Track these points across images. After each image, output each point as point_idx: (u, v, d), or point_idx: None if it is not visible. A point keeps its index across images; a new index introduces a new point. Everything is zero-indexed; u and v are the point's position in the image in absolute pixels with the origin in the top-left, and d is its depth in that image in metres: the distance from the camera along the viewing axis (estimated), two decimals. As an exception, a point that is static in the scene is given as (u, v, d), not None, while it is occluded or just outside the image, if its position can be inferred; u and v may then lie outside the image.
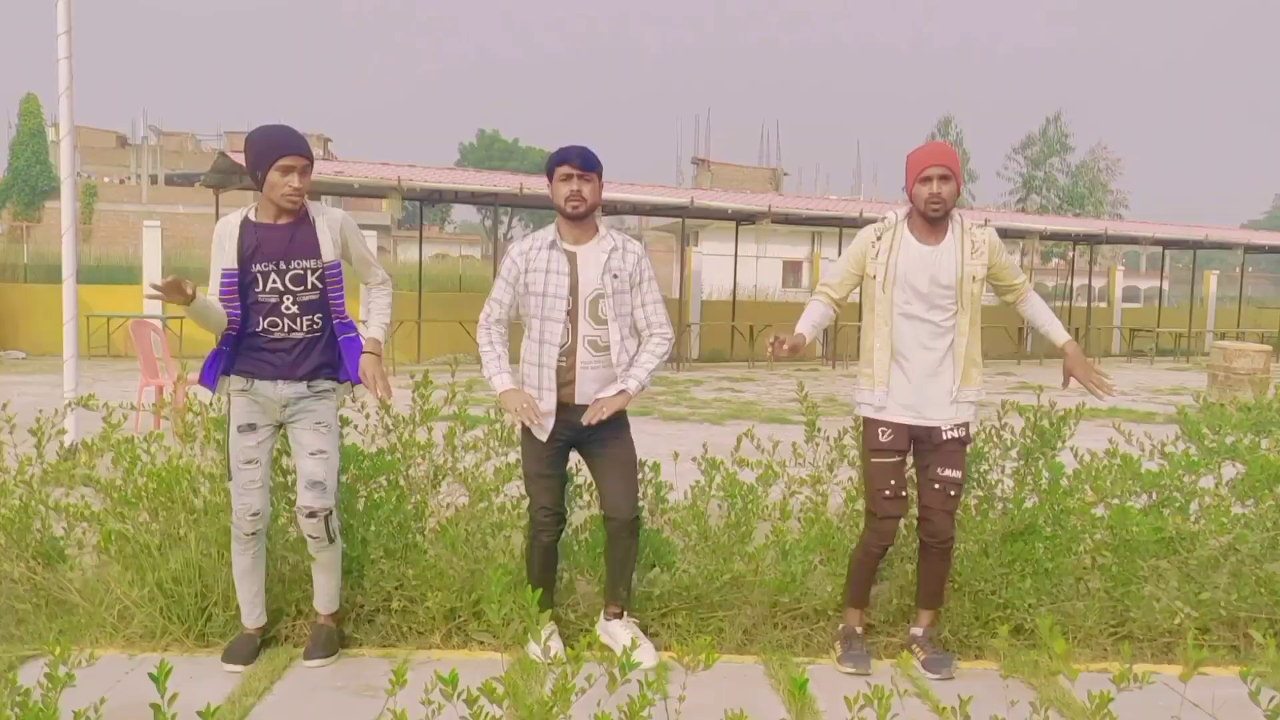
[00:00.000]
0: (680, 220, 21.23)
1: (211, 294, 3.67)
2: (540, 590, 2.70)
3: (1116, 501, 4.22)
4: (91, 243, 35.34)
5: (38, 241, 29.65)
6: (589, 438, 3.87)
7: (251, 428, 3.73)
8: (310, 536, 3.77)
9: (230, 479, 3.77)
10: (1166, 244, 26.66)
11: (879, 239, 3.84)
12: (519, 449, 4.43)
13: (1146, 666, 3.84)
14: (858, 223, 21.59)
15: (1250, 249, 28.01)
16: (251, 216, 3.71)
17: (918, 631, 3.99)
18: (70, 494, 4.29)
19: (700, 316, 22.14)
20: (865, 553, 3.95)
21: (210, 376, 3.78)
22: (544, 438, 3.81)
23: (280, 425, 3.82)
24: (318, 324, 3.74)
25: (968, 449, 3.96)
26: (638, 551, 4.03)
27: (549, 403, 3.79)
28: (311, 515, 3.73)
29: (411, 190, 17.65)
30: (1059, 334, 3.97)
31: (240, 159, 16.76)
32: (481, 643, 4.01)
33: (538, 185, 19.18)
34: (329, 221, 3.74)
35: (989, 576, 4.16)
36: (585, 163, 3.79)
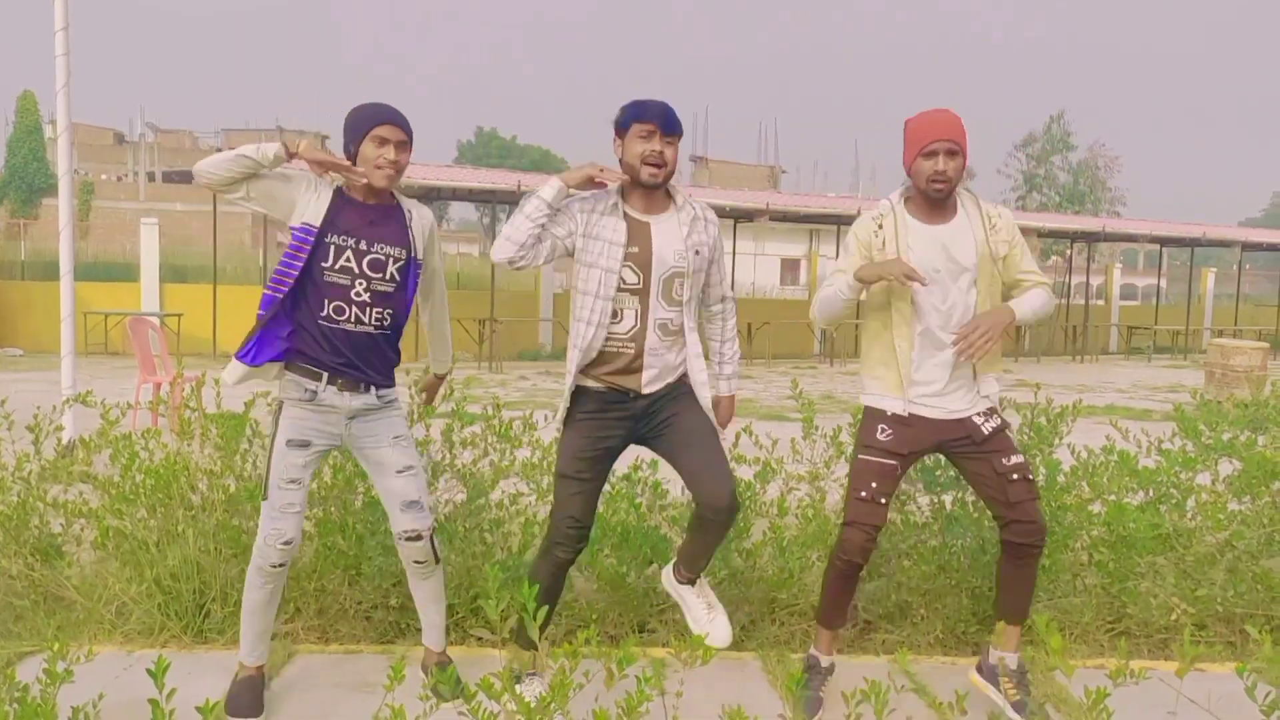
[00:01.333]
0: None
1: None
2: (542, 603, 2.40)
3: (1113, 498, 4.23)
4: (89, 240, 35.34)
5: (35, 239, 29.64)
6: (652, 423, 3.35)
7: (304, 444, 3.29)
8: (415, 563, 3.44)
9: (265, 498, 3.31)
10: (1164, 242, 26.70)
11: (880, 227, 3.39)
12: (515, 446, 4.45)
13: (1143, 663, 3.85)
14: (854, 220, 21.59)
15: (1248, 247, 28.06)
16: (345, 189, 3.34)
17: (1010, 659, 3.47)
18: (68, 491, 4.30)
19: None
20: (831, 567, 3.51)
21: (258, 354, 3.27)
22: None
23: (337, 445, 3.42)
24: (387, 320, 3.33)
25: (1011, 432, 3.54)
26: (726, 535, 3.51)
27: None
28: (417, 538, 3.38)
29: (409, 188, 17.64)
30: (1016, 303, 3.46)
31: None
32: (479, 639, 4.02)
33: (536, 183, 19.19)
34: (421, 217, 3.44)
35: (987, 573, 4.16)
36: (669, 123, 3.23)
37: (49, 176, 38.97)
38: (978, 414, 3.42)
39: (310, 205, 3.26)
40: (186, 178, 20.89)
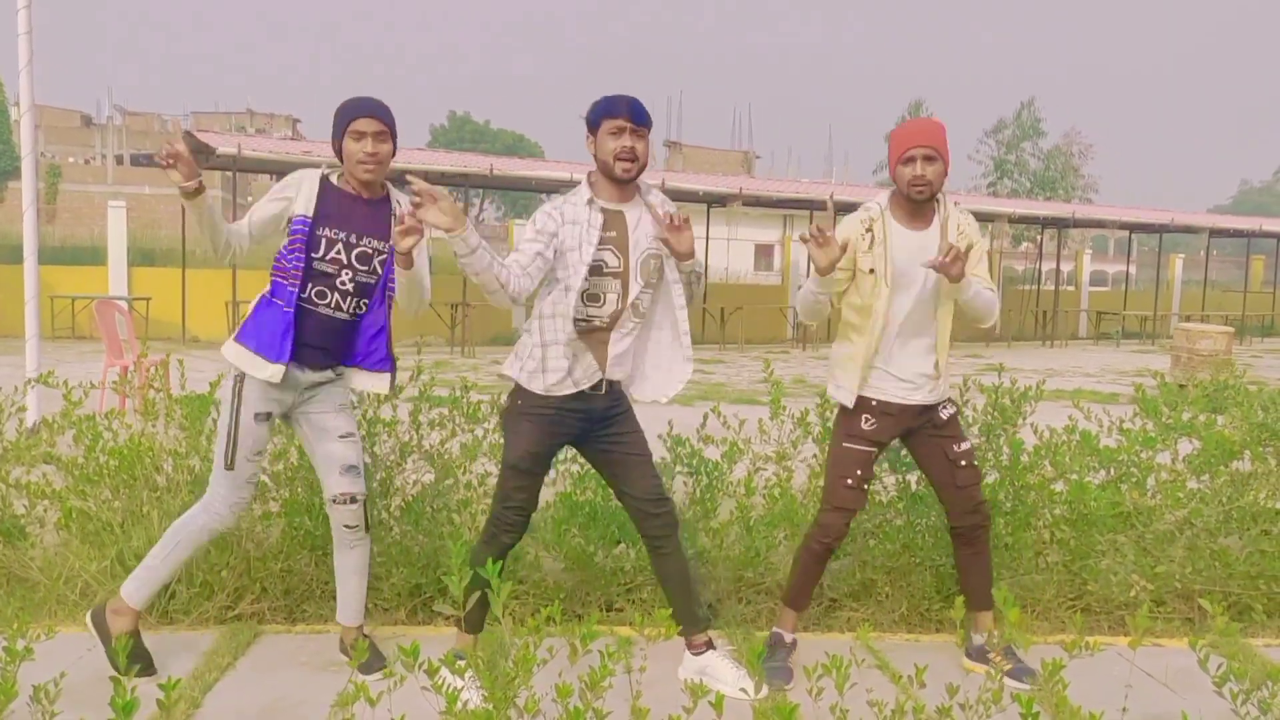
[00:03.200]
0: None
1: (241, 221, 3.37)
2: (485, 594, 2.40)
3: (1075, 477, 4.29)
4: (56, 223, 34.92)
5: (1, 222, 29.23)
6: (604, 431, 3.46)
7: (268, 416, 3.40)
8: (346, 527, 3.51)
9: (229, 467, 3.38)
10: (1133, 228, 26.96)
11: (868, 230, 3.50)
12: (486, 426, 4.45)
13: (1102, 638, 3.89)
14: (827, 205, 21.64)
15: (1215, 233, 28.38)
16: (332, 179, 3.42)
17: (986, 640, 3.63)
18: (30, 472, 4.26)
19: (671, 299, 22.12)
20: (808, 550, 3.64)
21: (276, 348, 3.31)
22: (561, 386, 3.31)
23: (284, 415, 3.51)
24: (363, 308, 3.45)
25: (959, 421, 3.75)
26: (685, 558, 3.57)
27: (558, 369, 3.32)
28: (352, 501, 3.47)
29: (381, 171, 17.53)
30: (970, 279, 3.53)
31: (207, 138, 16.64)
32: (446, 617, 4.02)
33: (508, 167, 19.11)
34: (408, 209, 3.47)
35: (950, 551, 4.20)
36: (638, 116, 3.28)
37: (15, 159, 38.34)
38: (942, 405, 3.65)
39: (299, 198, 3.34)
40: (155, 161, 20.59)
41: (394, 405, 4.35)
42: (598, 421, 3.44)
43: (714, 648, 3.55)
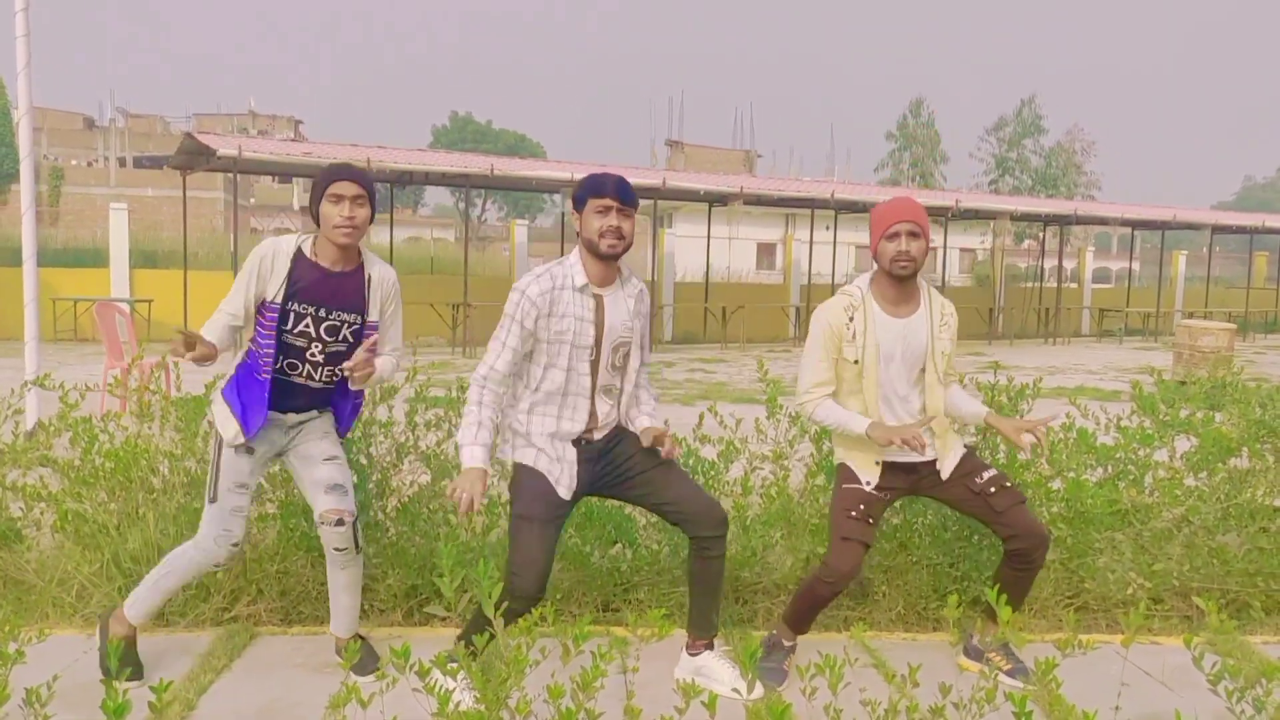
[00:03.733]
0: (653, 202, 21.22)
1: (220, 314, 3.39)
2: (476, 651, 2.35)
3: (1072, 475, 4.27)
4: (59, 226, 34.93)
5: (4, 224, 29.26)
6: (613, 465, 3.43)
7: (250, 450, 3.41)
8: (336, 550, 3.48)
9: (213, 500, 3.41)
10: (1135, 225, 26.89)
11: (851, 319, 3.50)
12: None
13: (1099, 636, 3.89)
14: (829, 204, 21.66)
15: (1218, 229, 28.30)
16: (306, 250, 3.41)
17: (982, 640, 3.70)
18: (26, 475, 4.26)
19: (673, 298, 22.15)
20: (814, 591, 3.55)
21: (249, 421, 3.38)
22: (566, 495, 3.31)
23: (279, 452, 3.55)
24: (337, 377, 3.49)
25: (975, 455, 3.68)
26: (724, 565, 3.54)
27: (567, 481, 3.31)
28: (339, 523, 3.43)
29: (381, 172, 17.55)
30: (977, 411, 3.66)
31: (207, 140, 16.64)
32: (443, 619, 4.02)
33: (509, 167, 19.11)
34: (381, 277, 3.51)
35: (947, 550, 4.21)
36: (625, 196, 3.29)
37: (17, 161, 38.46)
38: (950, 462, 3.57)
39: (270, 282, 3.35)
40: (157, 163, 20.65)
41: (390, 406, 4.36)
42: (599, 460, 3.41)
43: (711, 648, 3.55)
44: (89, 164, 44.45)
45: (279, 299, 3.33)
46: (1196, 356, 12.52)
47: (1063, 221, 26.29)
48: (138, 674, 3.41)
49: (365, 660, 3.51)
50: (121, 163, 43.60)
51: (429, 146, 49.43)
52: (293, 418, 3.50)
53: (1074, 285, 29.37)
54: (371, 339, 3.45)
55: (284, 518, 4.11)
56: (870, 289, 3.55)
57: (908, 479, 3.59)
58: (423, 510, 4.23)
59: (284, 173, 23.91)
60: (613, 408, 3.45)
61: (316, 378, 3.45)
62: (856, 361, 3.48)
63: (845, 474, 3.60)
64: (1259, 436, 4.44)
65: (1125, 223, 26.33)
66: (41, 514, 4.22)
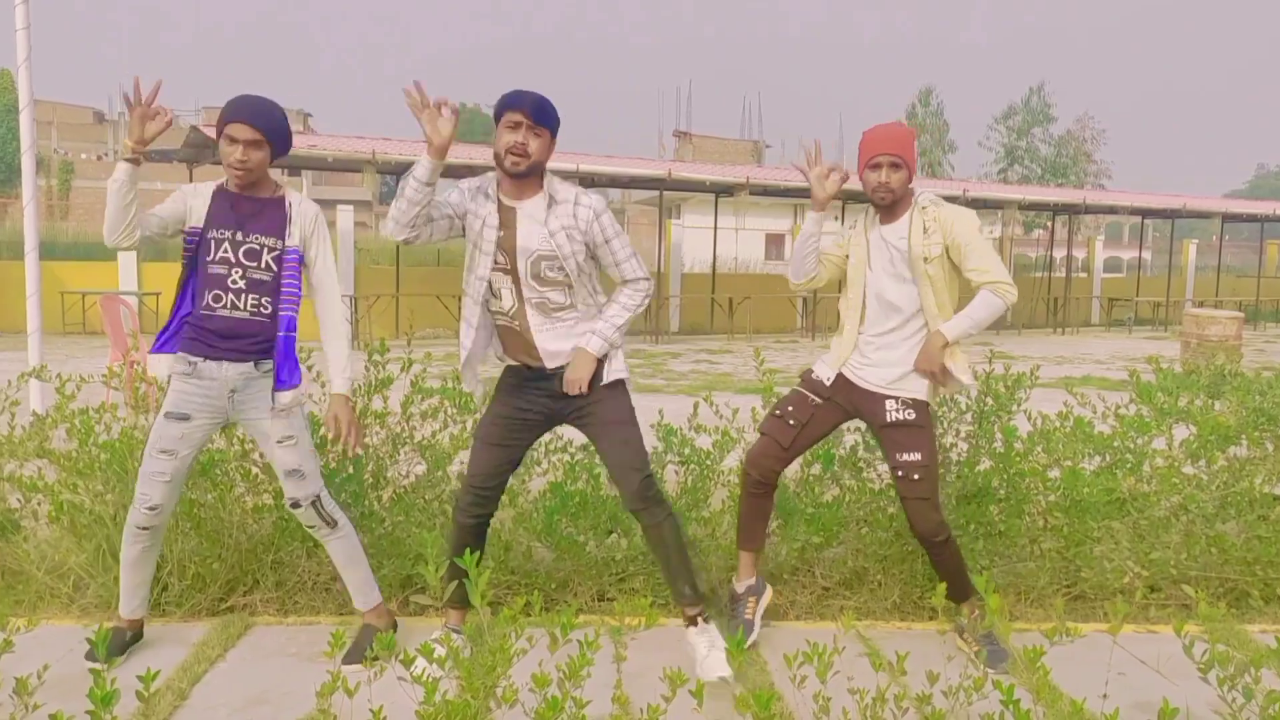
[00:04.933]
0: (659, 193, 21.17)
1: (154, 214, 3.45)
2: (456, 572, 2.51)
3: (1069, 464, 4.25)
4: (69, 219, 35.06)
5: (15, 218, 29.34)
6: (571, 407, 3.47)
7: (184, 418, 3.43)
8: (308, 527, 3.58)
9: (141, 463, 3.50)
10: (1145, 213, 26.75)
11: (854, 225, 3.84)
12: (477, 416, 4.44)
13: (1095, 625, 3.88)
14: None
15: (1228, 218, 28.13)
16: (225, 184, 3.50)
17: (962, 621, 3.77)
18: (24, 466, 4.28)
19: (680, 289, 22.12)
20: (742, 488, 3.85)
21: (166, 343, 3.49)
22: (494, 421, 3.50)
23: (224, 422, 3.55)
24: (265, 307, 3.44)
25: (924, 429, 3.63)
26: (680, 532, 3.57)
27: (467, 340, 3.47)
28: (296, 506, 3.51)
29: (386, 164, 17.55)
30: (952, 323, 3.64)
31: (213, 132, 16.64)
32: (437, 609, 4.02)
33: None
34: (302, 210, 3.51)
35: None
36: (538, 113, 3.27)
37: (26, 155, 38.61)
38: (892, 399, 3.62)
39: (194, 209, 3.45)
40: (165, 156, 20.67)
41: (385, 397, 4.36)
42: (560, 396, 3.46)
43: (696, 623, 3.57)
44: (98, 158, 44.58)
45: (199, 224, 3.41)
46: (1204, 345, 12.45)
47: (1073, 211, 26.16)
48: (113, 657, 3.40)
49: (353, 650, 3.51)
50: (131, 156, 43.65)
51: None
52: (228, 370, 3.42)
53: (1084, 275, 29.25)
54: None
55: (279, 507, 4.11)
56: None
57: (851, 396, 3.72)
58: (418, 501, 4.23)
59: (292, 165, 23.93)
60: (564, 324, 3.44)
61: (242, 306, 3.41)
62: (848, 256, 3.78)
63: (802, 374, 3.89)
64: (1258, 424, 4.42)
65: (1135, 211, 26.20)
66: (39, 505, 4.23)
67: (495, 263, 3.40)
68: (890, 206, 3.68)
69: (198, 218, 3.44)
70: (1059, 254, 29.63)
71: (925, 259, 3.59)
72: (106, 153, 45.59)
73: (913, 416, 3.61)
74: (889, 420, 3.62)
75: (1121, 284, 31.25)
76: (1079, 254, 30.43)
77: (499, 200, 3.39)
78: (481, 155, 18.62)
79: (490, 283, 3.42)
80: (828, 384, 3.75)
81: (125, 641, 3.59)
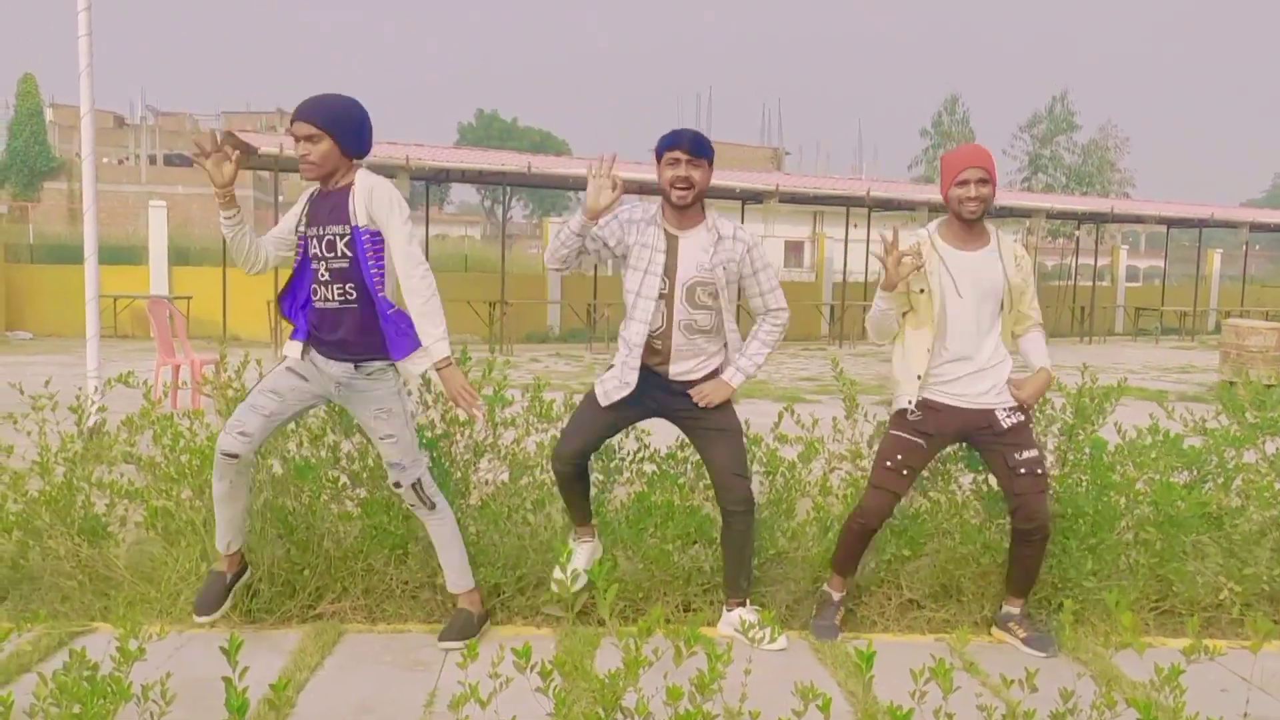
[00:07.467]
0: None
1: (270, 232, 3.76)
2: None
3: (1158, 477, 4.22)
4: (92, 223, 35.17)
5: (38, 222, 29.56)
6: (683, 406, 3.81)
7: (302, 378, 3.64)
8: (410, 506, 3.80)
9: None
10: (1172, 223, 26.61)
11: (914, 250, 3.81)
12: (559, 424, 4.43)
13: (1182, 641, 3.84)
14: (864, 201, 21.52)
15: (1255, 228, 27.97)
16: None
17: (1013, 610, 3.96)
18: (110, 471, 4.28)
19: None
20: (848, 528, 3.95)
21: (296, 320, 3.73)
22: (604, 401, 3.78)
23: (325, 400, 3.77)
24: (351, 294, 3.54)
25: (1031, 427, 3.91)
26: (754, 536, 3.97)
27: (630, 378, 3.74)
28: (398, 486, 3.73)
29: (420, 169, 17.59)
30: (1036, 364, 3.91)
31: (248, 138, 16.68)
32: (533, 616, 4.01)
33: (545, 165, 19.12)
34: (365, 188, 3.54)
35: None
36: (696, 148, 3.67)
37: (50, 160, 38.84)
38: (1002, 408, 3.80)
39: (296, 215, 3.69)
40: (187, 160, 20.79)
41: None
42: (675, 395, 3.80)
43: (743, 607, 3.90)
44: (120, 162, 44.77)
45: (301, 227, 3.63)
46: (1245, 356, 12.37)
47: (1099, 219, 26.07)
48: (217, 605, 3.72)
49: (452, 628, 3.77)
50: (152, 160, 43.92)
51: (455, 144, 49.53)
52: (334, 368, 3.61)
53: (1106, 283, 29.13)
54: None
55: (366, 515, 4.11)
56: (937, 232, 3.87)
57: (957, 421, 3.81)
58: (503, 508, 4.22)
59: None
60: (700, 345, 3.78)
61: (331, 296, 3.57)
62: (923, 291, 3.77)
63: (893, 420, 3.90)
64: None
65: (1162, 220, 26.07)
66: (126, 510, 4.24)
67: (661, 286, 3.73)
68: (970, 230, 3.80)
69: (298, 222, 3.67)
70: (1084, 262, 29.51)
71: (1020, 292, 3.86)
72: (127, 156, 45.75)
73: (1022, 418, 3.82)
74: (1006, 426, 3.78)
75: (1144, 293, 31.12)
76: (1101, 262, 30.30)
77: (665, 230, 3.77)
78: (512, 162, 18.64)
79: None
80: (921, 418, 3.81)
81: (225, 586, 3.74)
